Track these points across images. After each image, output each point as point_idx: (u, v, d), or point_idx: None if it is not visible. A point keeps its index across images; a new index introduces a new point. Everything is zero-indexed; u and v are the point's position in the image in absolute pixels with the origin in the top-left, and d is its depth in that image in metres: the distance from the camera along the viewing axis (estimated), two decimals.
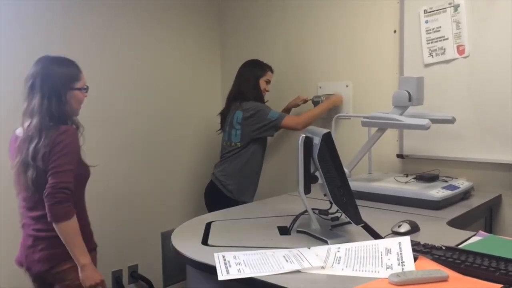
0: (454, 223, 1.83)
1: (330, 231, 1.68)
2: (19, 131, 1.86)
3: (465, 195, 2.19)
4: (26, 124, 1.80)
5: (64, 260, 1.80)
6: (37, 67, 1.82)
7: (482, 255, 1.28)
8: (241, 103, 2.74)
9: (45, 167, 1.75)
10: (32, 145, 1.75)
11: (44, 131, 1.76)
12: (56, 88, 1.81)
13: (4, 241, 2.43)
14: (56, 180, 1.72)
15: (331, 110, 2.82)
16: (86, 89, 1.92)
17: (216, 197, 2.79)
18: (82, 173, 1.89)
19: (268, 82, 2.85)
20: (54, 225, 1.74)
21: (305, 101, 2.95)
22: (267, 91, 2.86)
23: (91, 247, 1.89)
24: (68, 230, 1.75)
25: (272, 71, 2.88)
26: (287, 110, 3.00)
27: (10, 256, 2.41)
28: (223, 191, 2.76)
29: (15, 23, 2.46)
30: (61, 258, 1.80)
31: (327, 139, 1.52)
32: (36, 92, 1.79)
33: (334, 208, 1.70)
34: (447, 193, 2.04)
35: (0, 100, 2.41)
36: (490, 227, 2.32)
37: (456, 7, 2.36)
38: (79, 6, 2.69)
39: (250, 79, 2.79)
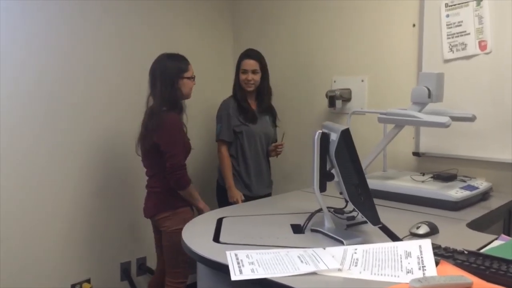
0: (473, 225, 1.77)
1: (345, 231, 1.63)
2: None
3: (484, 196, 2.13)
4: (150, 104, 2.35)
5: (160, 212, 2.37)
6: (157, 62, 2.36)
7: (508, 261, 1.22)
8: None
9: (152, 142, 2.29)
10: (150, 122, 2.30)
11: (157, 114, 2.28)
12: (171, 77, 2.31)
13: (4, 241, 2.41)
14: (171, 162, 2.27)
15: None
16: (193, 78, 2.41)
17: (218, 190, 2.86)
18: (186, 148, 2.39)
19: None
20: (180, 192, 2.35)
21: (276, 152, 2.84)
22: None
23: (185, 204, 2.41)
24: (188, 193, 2.37)
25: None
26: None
27: (10, 256, 2.42)
28: (219, 182, 2.85)
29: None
30: (158, 210, 2.38)
31: (346, 136, 1.47)
32: (157, 80, 2.31)
33: (349, 207, 1.65)
34: (466, 193, 1.98)
35: (0, 99, 2.38)
36: (508, 230, 2.25)
37: (479, 1, 2.28)
38: None
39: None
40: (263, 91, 2.81)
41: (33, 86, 2.48)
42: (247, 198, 2.68)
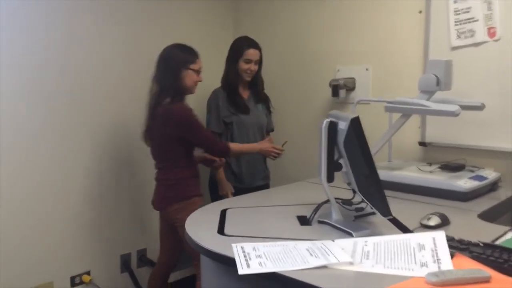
0: (484, 216, 1.72)
1: (353, 222, 1.59)
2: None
3: (493, 186, 2.08)
4: (153, 90, 2.30)
5: (172, 203, 2.29)
6: (166, 49, 2.31)
7: None
8: None
9: (163, 134, 2.24)
10: (157, 114, 2.25)
11: (161, 105, 2.23)
12: (173, 65, 2.25)
13: (5, 235, 2.36)
14: (210, 150, 2.37)
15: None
16: (199, 72, 2.32)
17: (210, 184, 2.80)
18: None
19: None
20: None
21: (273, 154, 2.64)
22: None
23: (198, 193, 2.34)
24: (239, 153, 2.55)
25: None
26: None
27: (10, 250, 2.38)
28: (211, 175, 2.79)
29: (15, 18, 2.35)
30: (170, 201, 2.30)
31: (356, 124, 1.41)
32: (161, 66, 2.28)
33: (357, 197, 1.61)
34: (475, 184, 1.93)
35: (0, 98, 2.32)
36: None
37: None
38: None
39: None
40: (258, 81, 2.74)
41: (33, 84, 2.43)
42: (239, 190, 2.60)
